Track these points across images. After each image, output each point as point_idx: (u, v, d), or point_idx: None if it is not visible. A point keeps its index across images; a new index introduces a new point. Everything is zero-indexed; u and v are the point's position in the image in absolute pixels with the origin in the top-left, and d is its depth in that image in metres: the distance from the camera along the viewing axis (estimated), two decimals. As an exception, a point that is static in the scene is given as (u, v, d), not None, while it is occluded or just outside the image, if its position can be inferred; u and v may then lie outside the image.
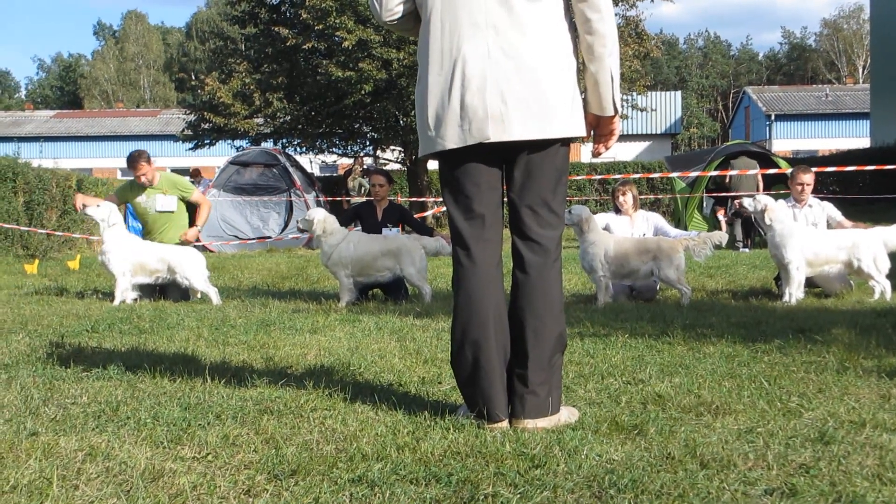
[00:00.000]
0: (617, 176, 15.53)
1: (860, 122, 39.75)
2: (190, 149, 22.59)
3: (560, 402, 2.98)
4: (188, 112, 22.39)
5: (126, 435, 2.83)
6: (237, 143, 22.08)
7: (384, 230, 7.90)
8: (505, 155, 2.95)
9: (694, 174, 15.15)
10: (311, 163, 24.83)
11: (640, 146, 41.65)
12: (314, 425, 2.92)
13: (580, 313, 5.84)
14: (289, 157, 18.13)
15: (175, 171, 9.67)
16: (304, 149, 21.98)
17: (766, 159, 15.04)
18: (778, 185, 13.97)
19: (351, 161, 21.45)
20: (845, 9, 71.04)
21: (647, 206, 15.97)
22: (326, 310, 6.41)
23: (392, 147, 22.53)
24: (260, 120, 20.57)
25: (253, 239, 16.10)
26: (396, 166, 23.64)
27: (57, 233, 14.11)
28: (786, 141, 45.90)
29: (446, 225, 3.10)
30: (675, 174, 15.36)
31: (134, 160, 8.00)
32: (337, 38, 18.29)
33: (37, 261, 11.50)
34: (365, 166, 19.90)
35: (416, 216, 8.31)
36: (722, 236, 6.92)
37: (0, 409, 3.21)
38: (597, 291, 6.84)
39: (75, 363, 4.07)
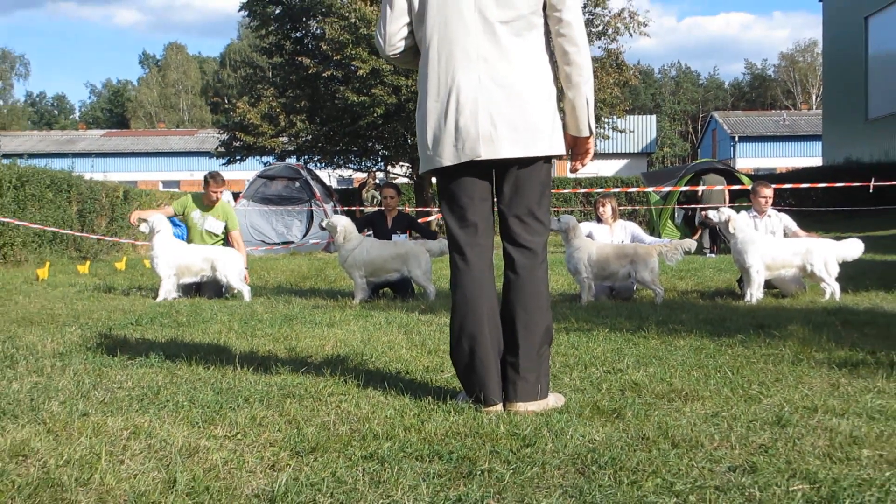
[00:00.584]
0: (599, 189, 15.52)
1: (813, 143, 39.68)
2: (223, 164, 22.55)
3: (548, 388, 2.98)
4: (222, 132, 22.39)
5: (166, 416, 2.83)
6: (264, 159, 22.08)
7: (394, 236, 7.90)
8: (495, 171, 2.97)
9: (667, 188, 15.13)
10: (330, 176, 24.81)
11: (620, 163, 41.67)
12: (331, 408, 2.92)
13: (566, 310, 5.83)
14: (310, 171, 18.12)
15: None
16: (323, 164, 21.98)
17: (730, 175, 15.01)
18: (741, 199, 13.95)
19: (365, 175, 21.44)
20: (801, 44, 70.97)
21: (626, 216, 15.93)
22: (342, 306, 6.41)
23: (401, 163, 22.54)
24: (285, 139, 20.57)
25: (278, 244, 16.09)
26: (405, 180, 23.65)
27: (106, 238, 14.12)
28: (748, 159, 45.90)
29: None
30: (650, 188, 15.34)
31: (213, 178, 7.99)
32: (353, 67, 18.30)
33: (88, 262, 11.52)
34: (377, 180, 19.90)
35: (420, 220, 8.32)
36: (691, 243, 6.91)
37: (55, 392, 3.21)
38: (581, 291, 6.84)
39: (121, 352, 4.07)
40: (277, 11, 20.75)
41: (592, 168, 29.93)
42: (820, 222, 16.87)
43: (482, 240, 3.00)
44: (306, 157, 21.42)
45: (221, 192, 8.16)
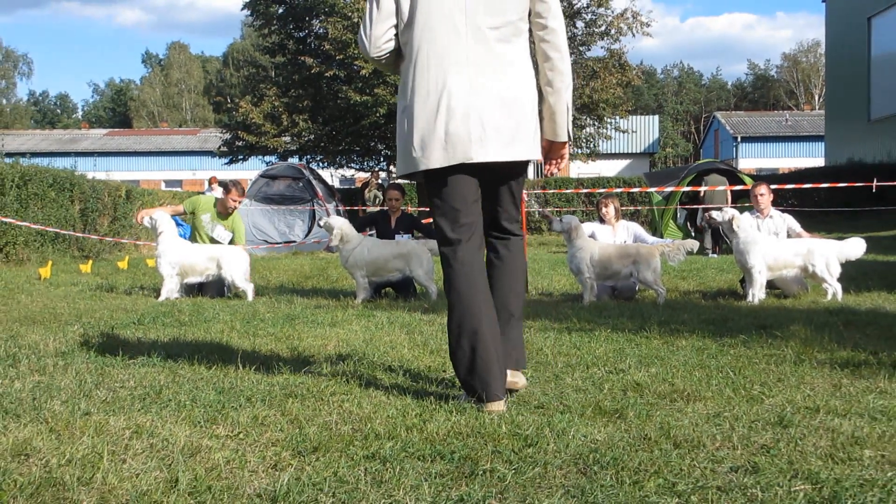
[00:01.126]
0: (601, 190, 15.49)
1: (816, 143, 39.69)
2: (226, 163, 22.61)
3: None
4: (224, 131, 22.44)
5: (168, 415, 2.83)
6: (267, 158, 22.12)
7: (396, 236, 7.90)
8: (481, 172, 3.02)
9: (669, 189, 15.13)
10: (332, 176, 24.83)
11: (622, 163, 41.64)
12: (333, 408, 2.92)
13: (568, 310, 5.82)
14: (312, 171, 18.12)
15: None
16: (325, 164, 22.01)
17: (733, 176, 15.01)
18: (743, 199, 13.94)
19: (367, 175, 21.45)
20: (804, 44, 70.82)
21: (628, 216, 15.92)
22: (344, 306, 6.41)
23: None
24: (287, 138, 20.60)
25: (280, 243, 16.10)
26: (406, 180, 23.61)
27: (108, 237, 14.12)
28: (750, 160, 45.86)
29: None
30: (652, 189, 15.33)
31: (235, 186, 7.95)
32: (355, 67, 18.32)
33: (90, 261, 11.52)
34: (380, 180, 19.89)
35: (423, 221, 8.33)
36: (693, 244, 6.91)
37: (58, 391, 3.21)
38: (583, 291, 6.83)
39: (123, 352, 4.07)
40: (280, 11, 20.79)
41: (594, 167, 29.92)
42: (822, 223, 16.84)
43: (475, 239, 3.04)
44: (309, 156, 21.45)
45: (240, 203, 8.11)
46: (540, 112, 3.10)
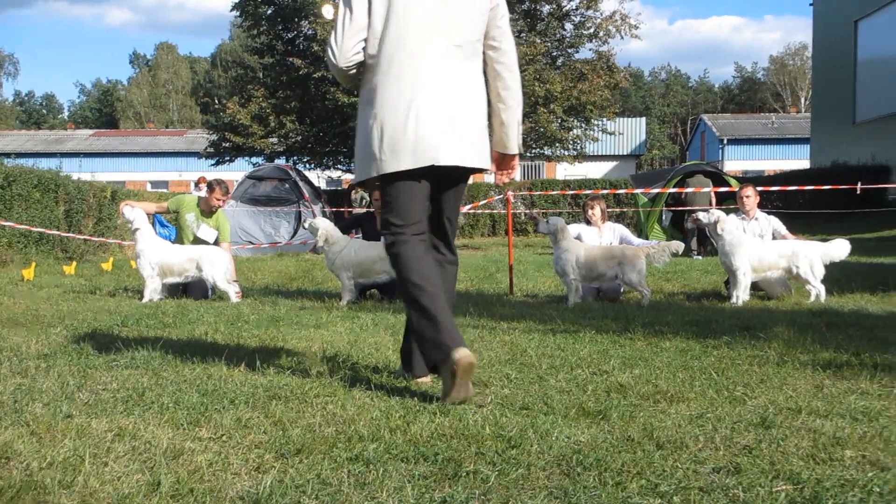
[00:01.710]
0: (587, 191, 15.50)
1: (801, 146, 39.89)
2: (212, 164, 22.50)
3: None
4: (211, 132, 22.33)
5: (150, 418, 2.82)
6: (254, 159, 22.02)
7: (382, 238, 7.88)
8: (438, 177, 3.22)
9: (655, 190, 15.19)
10: (319, 178, 24.77)
11: (609, 165, 41.78)
12: (317, 410, 2.91)
13: (552, 312, 5.84)
14: (299, 172, 18.07)
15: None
16: (312, 165, 21.94)
17: (718, 178, 15.08)
18: (728, 201, 14.01)
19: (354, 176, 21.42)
20: (791, 47, 71.20)
21: (614, 218, 15.96)
22: (329, 308, 6.39)
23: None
24: (274, 139, 20.52)
25: (265, 244, 16.06)
26: (362, 187, 23.57)
27: (93, 238, 14.04)
28: (736, 162, 46.13)
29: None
30: (638, 190, 15.38)
31: (218, 186, 7.92)
32: (343, 69, 18.26)
33: (74, 263, 11.44)
34: (366, 182, 19.81)
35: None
36: (678, 245, 6.93)
37: (39, 393, 3.19)
38: (568, 293, 6.85)
39: (106, 353, 4.06)
40: (269, 12, 20.72)
41: (581, 169, 29.99)
42: (807, 224, 16.95)
43: (423, 235, 3.25)
44: (295, 158, 21.39)
45: (224, 203, 8.07)
46: (490, 126, 3.36)
